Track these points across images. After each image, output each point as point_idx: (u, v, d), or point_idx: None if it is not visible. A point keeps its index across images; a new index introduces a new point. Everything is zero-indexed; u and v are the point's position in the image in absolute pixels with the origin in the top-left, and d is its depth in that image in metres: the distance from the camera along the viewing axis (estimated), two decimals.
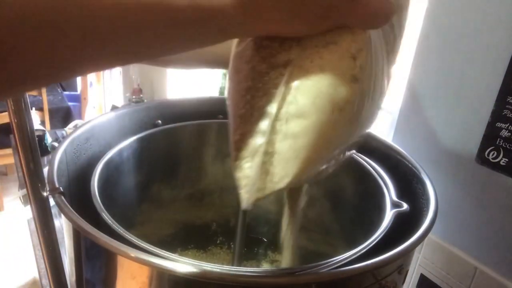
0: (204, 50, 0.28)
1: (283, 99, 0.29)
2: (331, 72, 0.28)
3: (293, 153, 0.29)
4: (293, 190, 0.45)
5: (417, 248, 0.47)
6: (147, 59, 0.27)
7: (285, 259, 0.50)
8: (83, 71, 0.25)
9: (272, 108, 0.29)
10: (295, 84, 0.28)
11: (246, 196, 0.30)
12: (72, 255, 0.47)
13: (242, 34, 0.29)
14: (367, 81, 0.30)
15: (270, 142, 0.29)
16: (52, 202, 0.45)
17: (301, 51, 0.29)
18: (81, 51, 0.22)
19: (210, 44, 0.27)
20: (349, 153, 0.38)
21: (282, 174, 0.29)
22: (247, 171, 0.30)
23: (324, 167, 0.34)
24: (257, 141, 0.30)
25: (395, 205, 0.53)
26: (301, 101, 0.28)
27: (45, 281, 0.72)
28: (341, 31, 0.28)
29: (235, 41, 0.33)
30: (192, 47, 0.27)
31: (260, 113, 0.29)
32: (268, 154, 0.29)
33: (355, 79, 0.28)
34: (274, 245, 0.79)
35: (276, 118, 0.29)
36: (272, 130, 0.29)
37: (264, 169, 0.29)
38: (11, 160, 2.19)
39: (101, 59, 0.24)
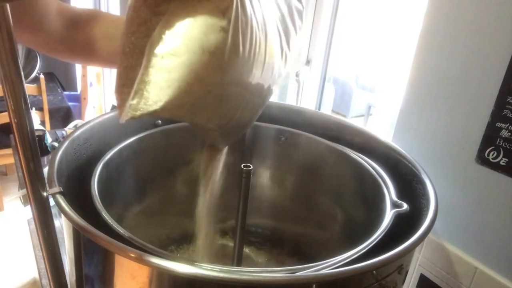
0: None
1: (160, 40, 0.35)
2: (203, 22, 0.35)
3: (166, 83, 0.34)
4: (212, 150, 0.56)
5: (417, 248, 0.47)
6: None
7: (200, 239, 0.60)
8: None
9: (151, 47, 0.35)
10: (171, 28, 0.35)
11: (123, 114, 0.36)
12: (72, 255, 0.47)
13: None
14: (243, 38, 0.37)
15: (146, 73, 0.35)
16: (52, 202, 0.45)
17: (180, 4, 0.35)
18: None
19: None
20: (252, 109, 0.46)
21: (156, 99, 0.35)
22: (125, 95, 0.36)
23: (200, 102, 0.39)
24: (136, 72, 0.36)
25: (395, 205, 0.53)
26: (175, 42, 0.34)
27: (45, 281, 0.72)
28: None
29: None
30: None
31: (141, 51, 0.36)
32: (144, 82, 0.35)
33: (223, 30, 0.35)
34: (274, 244, 0.79)
35: (153, 54, 0.35)
36: (149, 63, 0.35)
37: (140, 94, 0.35)
38: (11, 160, 2.19)
39: None
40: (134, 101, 0.35)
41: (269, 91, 0.49)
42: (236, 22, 0.36)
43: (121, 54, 0.38)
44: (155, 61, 0.34)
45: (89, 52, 0.56)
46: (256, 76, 0.43)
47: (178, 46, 0.34)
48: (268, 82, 0.47)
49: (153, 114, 0.35)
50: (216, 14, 0.35)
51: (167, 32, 0.35)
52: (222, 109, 0.42)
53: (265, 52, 0.43)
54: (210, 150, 0.56)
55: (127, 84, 0.37)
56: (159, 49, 0.35)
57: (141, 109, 0.35)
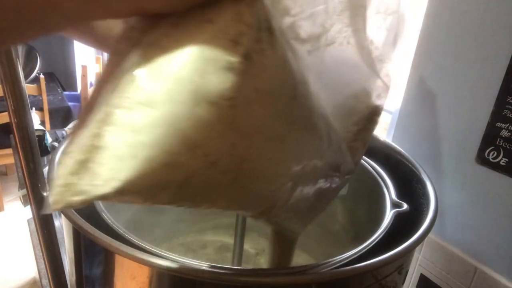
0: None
1: (131, 82, 0.22)
2: (200, 55, 0.22)
3: (128, 150, 0.21)
4: (280, 238, 0.43)
5: (417, 248, 0.47)
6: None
7: None
8: None
9: (116, 94, 0.22)
10: (147, 65, 0.22)
11: (53, 198, 0.22)
12: (72, 255, 0.47)
13: (105, 14, 0.22)
14: (269, 82, 0.24)
15: (99, 135, 0.21)
16: None
17: (166, 28, 0.23)
18: None
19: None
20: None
21: (108, 176, 0.21)
22: (62, 169, 0.22)
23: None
24: (87, 133, 0.22)
25: (395, 205, 0.53)
26: (152, 86, 0.21)
27: (45, 281, 0.72)
28: (222, 7, 0.22)
29: None
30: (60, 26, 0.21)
31: (103, 100, 0.23)
32: (95, 148, 0.21)
33: (232, 68, 0.22)
34: None
35: (117, 105, 0.22)
36: (106, 119, 0.21)
37: (86, 167, 0.21)
38: (11, 160, 2.19)
39: None
40: (75, 179, 0.21)
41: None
42: (260, 54, 0.23)
43: (82, 109, 0.24)
44: (118, 115, 0.21)
45: None
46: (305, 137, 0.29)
47: (156, 92, 0.21)
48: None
49: (105, 200, 0.22)
50: (222, 42, 0.22)
51: (140, 70, 0.22)
52: (247, 189, 0.27)
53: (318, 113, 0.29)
54: (280, 239, 0.42)
55: (72, 150, 0.22)
56: (129, 97, 0.22)
57: (85, 192, 0.22)
